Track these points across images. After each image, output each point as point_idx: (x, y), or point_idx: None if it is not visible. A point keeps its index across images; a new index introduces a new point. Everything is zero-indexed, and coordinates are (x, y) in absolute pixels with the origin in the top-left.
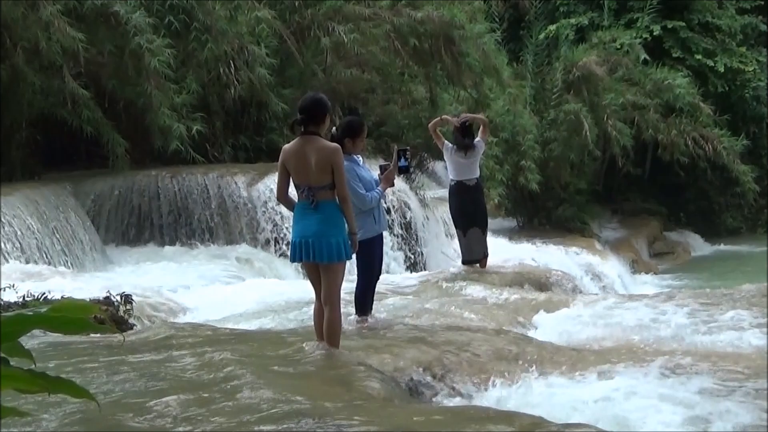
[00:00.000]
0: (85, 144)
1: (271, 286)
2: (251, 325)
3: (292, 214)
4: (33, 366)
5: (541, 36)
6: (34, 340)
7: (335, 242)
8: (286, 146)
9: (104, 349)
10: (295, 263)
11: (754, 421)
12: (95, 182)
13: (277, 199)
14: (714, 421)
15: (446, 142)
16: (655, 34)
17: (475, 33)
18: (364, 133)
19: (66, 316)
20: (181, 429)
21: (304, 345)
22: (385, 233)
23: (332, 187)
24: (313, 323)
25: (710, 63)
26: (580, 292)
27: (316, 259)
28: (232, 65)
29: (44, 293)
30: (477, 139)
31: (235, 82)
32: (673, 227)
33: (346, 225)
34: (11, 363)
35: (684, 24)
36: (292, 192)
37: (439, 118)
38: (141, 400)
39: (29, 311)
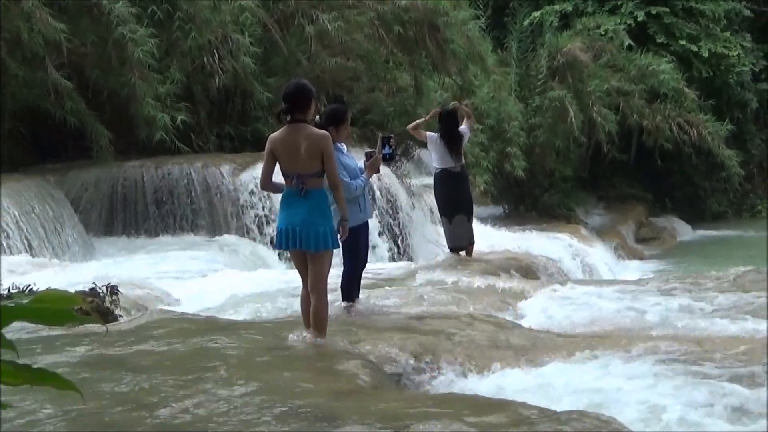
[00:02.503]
0: (71, 136)
1: (257, 276)
2: (237, 315)
3: (279, 200)
4: (17, 358)
5: (526, 23)
6: (18, 331)
7: (322, 231)
8: (274, 134)
9: (90, 340)
10: (281, 251)
11: (749, 405)
12: (80, 173)
13: (261, 187)
14: (708, 405)
15: (427, 132)
16: (639, 20)
17: (460, 20)
18: (347, 121)
19: (49, 307)
20: (166, 420)
21: (290, 334)
22: (371, 221)
23: (321, 175)
24: (300, 312)
25: (694, 48)
26: (567, 278)
27: (303, 247)
28: (216, 54)
29: (29, 285)
30: (462, 126)
31: (220, 71)
32: (658, 213)
33: (337, 212)
34: None
35: (668, 10)
36: (276, 179)
37: (416, 122)
38: (126, 391)
39: (12, 303)
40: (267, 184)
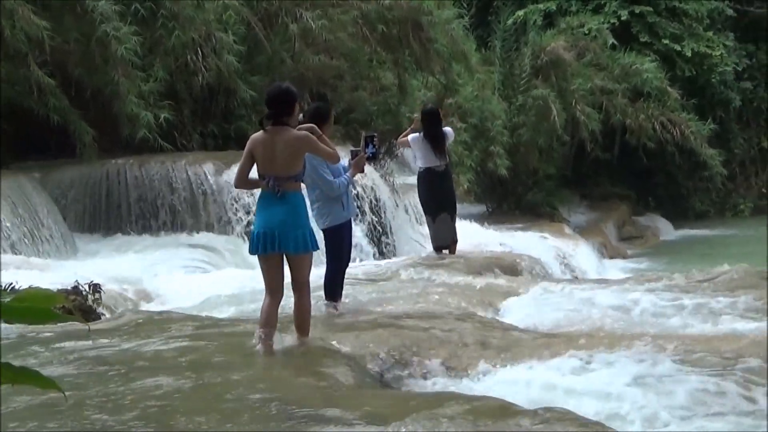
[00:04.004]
0: (54, 134)
1: (240, 275)
2: (220, 314)
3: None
4: None
5: (510, 21)
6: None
7: (301, 234)
8: (255, 135)
9: (72, 338)
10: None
11: (736, 406)
12: (63, 171)
13: (235, 185)
14: (698, 405)
15: (410, 135)
16: (622, 19)
17: (444, 19)
18: (331, 120)
19: (31, 306)
20: (150, 419)
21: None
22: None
23: (298, 179)
24: (263, 311)
25: (677, 47)
26: (550, 277)
27: (282, 248)
28: (200, 52)
29: (11, 283)
30: (447, 128)
31: (203, 69)
32: (641, 211)
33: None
34: None
35: (651, 9)
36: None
37: (402, 136)
38: (108, 390)
39: None
40: (242, 182)
